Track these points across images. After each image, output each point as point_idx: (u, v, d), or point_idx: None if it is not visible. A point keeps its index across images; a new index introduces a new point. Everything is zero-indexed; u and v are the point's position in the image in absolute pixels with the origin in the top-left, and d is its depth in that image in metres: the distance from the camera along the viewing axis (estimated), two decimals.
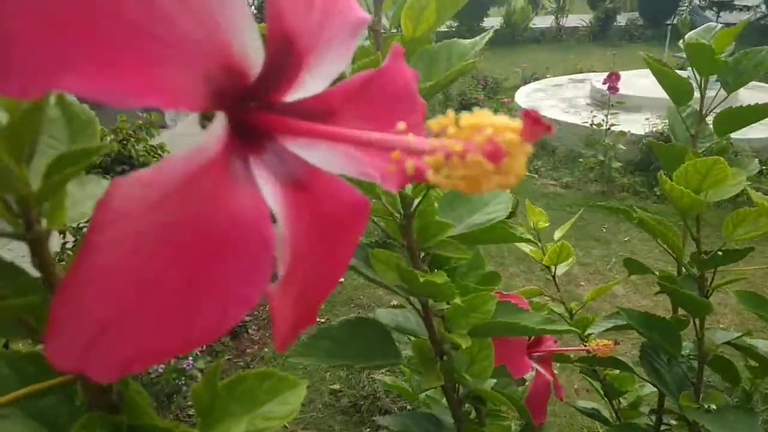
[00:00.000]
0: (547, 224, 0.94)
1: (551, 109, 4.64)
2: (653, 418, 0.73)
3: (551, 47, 8.28)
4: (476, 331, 0.48)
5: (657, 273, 0.72)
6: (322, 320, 2.26)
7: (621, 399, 0.87)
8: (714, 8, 7.84)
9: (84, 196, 0.27)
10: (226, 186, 0.16)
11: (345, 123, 0.20)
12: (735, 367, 0.66)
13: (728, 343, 0.63)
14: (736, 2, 8.09)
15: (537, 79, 6.07)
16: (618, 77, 3.69)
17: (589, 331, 0.71)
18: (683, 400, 0.59)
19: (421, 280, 0.41)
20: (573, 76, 5.95)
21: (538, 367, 0.69)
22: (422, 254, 0.50)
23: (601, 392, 0.88)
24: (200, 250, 0.17)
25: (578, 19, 8.92)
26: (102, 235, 0.16)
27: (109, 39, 0.15)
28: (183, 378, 1.86)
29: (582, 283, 2.67)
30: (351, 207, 0.20)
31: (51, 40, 0.14)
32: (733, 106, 0.64)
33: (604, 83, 3.72)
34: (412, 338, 0.54)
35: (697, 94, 0.68)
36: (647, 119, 3.84)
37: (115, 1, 0.15)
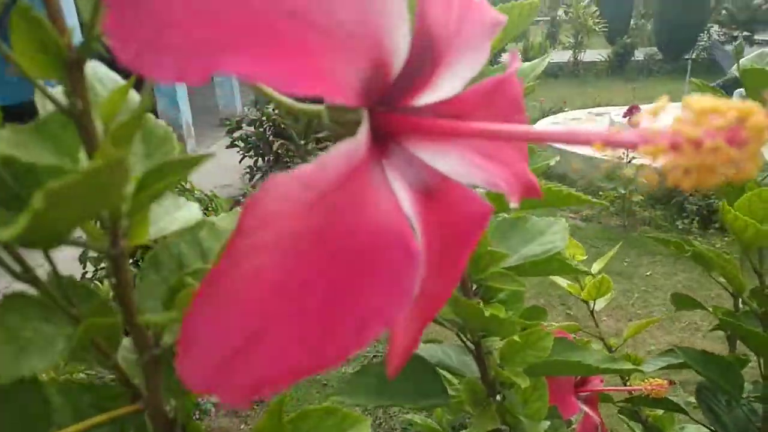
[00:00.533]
0: (584, 257, 0.92)
1: None
2: None
3: (569, 82, 8.31)
4: (533, 370, 0.45)
5: (710, 309, 0.68)
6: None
7: None
8: (734, 42, 7.83)
9: (161, 212, 0.26)
10: (372, 191, 0.15)
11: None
12: None
13: None
14: (756, 36, 8.11)
15: (555, 113, 6.08)
16: (638, 110, 3.68)
17: (643, 368, 0.67)
18: None
19: (487, 314, 0.38)
20: (591, 110, 5.95)
21: (586, 408, 0.66)
22: (474, 286, 0.48)
23: None
24: (347, 259, 0.15)
25: (596, 54, 8.97)
26: (251, 239, 0.14)
27: (269, 24, 0.14)
28: (198, 411, 1.83)
29: (604, 318, 2.61)
30: (475, 216, 0.18)
31: (208, 21, 0.13)
32: None
33: (625, 116, 3.71)
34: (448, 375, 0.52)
35: None
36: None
37: None
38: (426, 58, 0.17)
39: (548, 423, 0.50)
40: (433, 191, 0.18)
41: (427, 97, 0.18)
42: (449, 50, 0.18)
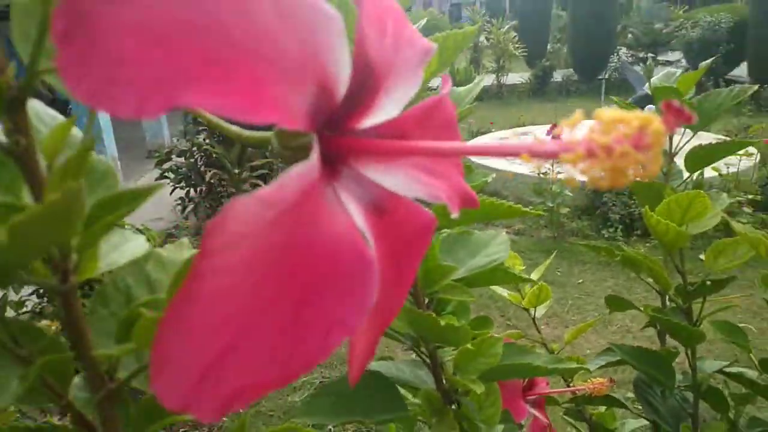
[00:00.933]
0: (523, 267, 0.95)
1: (499, 161, 4.80)
2: None
3: (494, 104, 8.64)
4: (486, 376, 0.47)
5: (641, 308, 0.73)
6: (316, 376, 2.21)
7: None
8: (641, 63, 8.47)
9: (109, 246, 0.26)
10: (326, 208, 0.16)
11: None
12: (724, 396, 0.67)
13: (720, 371, 0.64)
14: (659, 57, 8.80)
15: (483, 133, 6.29)
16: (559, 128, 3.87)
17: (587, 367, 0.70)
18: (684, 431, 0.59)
19: (442, 324, 0.40)
20: (516, 130, 6.20)
21: (534, 411, 0.68)
22: (426, 300, 0.49)
23: None
24: (308, 274, 0.16)
25: (518, 77, 9.40)
26: (215, 259, 0.15)
27: (222, 58, 0.14)
28: None
29: (542, 326, 2.70)
30: (422, 227, 0.20)
31: (163, 58, 0.14)
32: (701, 144, 0.68)
33: (548, 134, 3.89)
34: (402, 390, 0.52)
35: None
36: None
37: (216, 20, 0.14)
38: (366, 84, 0.19)
39: (502, 427, 0.51)
40: (382, 206, 0.19)
41: (370, 120, 0.19)
42: (387, 76, 0.19)
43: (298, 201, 0.16)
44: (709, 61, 0.76)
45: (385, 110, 0.19)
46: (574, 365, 0.50)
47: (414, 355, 0.55)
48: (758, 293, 0.67)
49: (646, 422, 0.89)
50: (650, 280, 0.70)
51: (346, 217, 0.17)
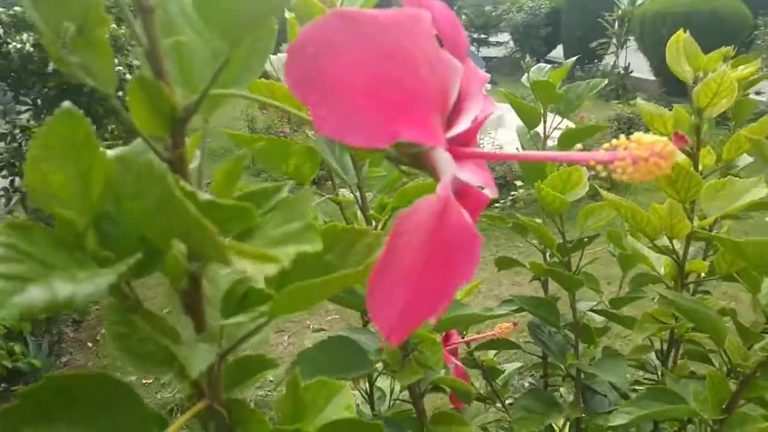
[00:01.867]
0: None
1: None
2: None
3: None
4: (439, 327, 0.57)
5: (527, 264, 0.88)
6: None
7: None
8: (475, 44, 9.19)
9: None
10: (453, 201, 0.24)
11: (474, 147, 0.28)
12: (590, 329, 0.84)
13: (591, 310, 0.81)
14: (491, 39, 9.62)
15: None
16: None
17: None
18: (569, 359, 0.75)
19: None
20: None
21: (453, 359, 0.80)
22: None
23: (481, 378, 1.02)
24: (451, 244, 0.24)
25: None
26: (400, 239, 0.22)
27: (406, 101, 0.21)
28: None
29: None
30: (481, 203, 0.28)
31: (375, 104, 0.21)
32: (569, 127, 0.84)
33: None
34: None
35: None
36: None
37: (400, 74, 0.21)
38: (456, 107, 0.26)
39: (444, 370, 0.62)
40: (463, 191, 0.28)
41: (455, 131, 0.27)
42: (466, 100, 0.27)
43: (447, 201, 0.24)
44: (573, 58, 0.92)
45: (463, 125, 0.27)
46: (499, 312, 0.62)
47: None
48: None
49: (520, 365, 1.07)
50: (535, 241, 0.86)
51: (458, 205, 0.25)
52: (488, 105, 0.30)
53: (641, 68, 7.00)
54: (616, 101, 6.15)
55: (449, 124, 0.27)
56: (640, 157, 0.23)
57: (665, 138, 0.23)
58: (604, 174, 0.24)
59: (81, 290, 0.20)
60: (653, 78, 6.98)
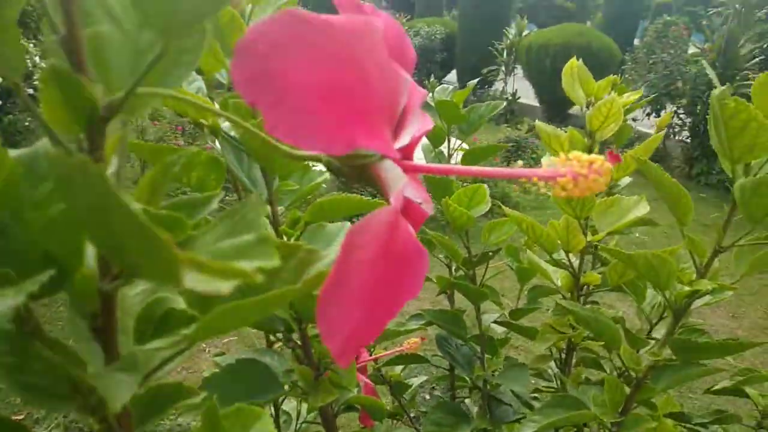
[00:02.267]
0: None
1: None
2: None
3: None
4: None
5: (434, 279, 0.90)
6: None
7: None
8: None
9: None
10: (401, 218, 0.23)
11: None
12: (494, 341, 0.87)
13: (494, 322, 0.84)
14: None
15: None
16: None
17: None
18: (476, 371, 0.77)
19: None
20: None
21: (362, 377, 0.79)
22: None
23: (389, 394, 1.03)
24: (398, 261, 0.23)
25: None
26: (354, 254, 0.21)
27: (363, 109, 0.21)
28: None
29: None
30: (420, 219, 0.28)
31: (330, 110, 0.20)
32: (472, 147, 0.87)
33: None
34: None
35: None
36: None
37: (354, 79, 0.21)
38: (401, 118, 0.26)
39: (357, 389, 0.61)
40: (404, 207, 0.27)
41: (400, 144, 0.27)
42: (408, 115, 0.27)
43: (399, 214, 0.23)
44: (474, 81, 0.96)
45: (406, 138, 0.27)
46: (408, 327, 0.62)
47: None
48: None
49: (425, 378, 1.09)
50: (441, 256, 0.88)
51: (404, 219, 0.25)
52: (426, 122, 0.30)
53: (527, 94, 7.52)
54: (505, 125, 6.55)
55: (394, 136, 0.26)
56: (580, 174, 0.24)
57: (601, 156, 0.25)
58: (544, 190, 0.25)
59: None
60: (537, 104, 7.52)
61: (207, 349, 2.38)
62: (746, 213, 0.55)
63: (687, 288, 0.51)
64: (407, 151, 0.28)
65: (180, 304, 0.29)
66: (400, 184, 0.24)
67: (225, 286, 0.15)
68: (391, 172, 0.24)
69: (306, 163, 0.68)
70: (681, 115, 5.28)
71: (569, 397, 0.58)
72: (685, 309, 0.54)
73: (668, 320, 0.58)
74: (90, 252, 0.24)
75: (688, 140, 5.31)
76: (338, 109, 0.20)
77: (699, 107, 4.96)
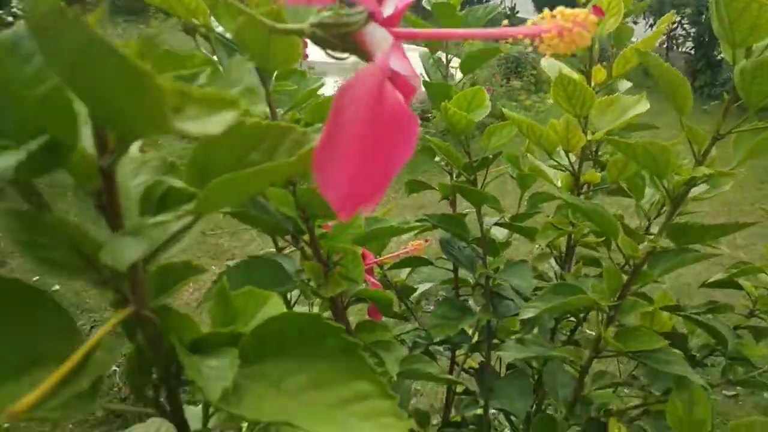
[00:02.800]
0: None
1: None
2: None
3: None
4: (358, 240, 0.57)
5: (436, 187, 0.91)
6: None
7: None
8: None
9: None
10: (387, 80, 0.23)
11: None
12: (495, 243, 0.89)
13: (495, 224, 0.86)
14: None
15: None
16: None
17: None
18: (479, 269, 0.79)
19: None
20: None
21: (370, 278, 0.82)
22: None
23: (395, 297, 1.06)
24: (386, 122, 0.23)
25: None
26: (343, 112, 0.21)
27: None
28: None
29: None
30: (409, 91, 0.28)
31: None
32: (468, 51, 0.85)
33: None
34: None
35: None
36: (336, 81, 4.30)
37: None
38: None
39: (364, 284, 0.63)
40: (390, 79, 0.27)
41: (386, 10, 0.26)
42: None
43: (384, 73, 0.23)
44: None
45: (391, 5, 0.27)
46: (415, 226, 0.64)
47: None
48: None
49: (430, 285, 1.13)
50: (443, 163, 0.88)
51: (391, 84, 0.25)
52: None
53: (526, 9, 7.24)
54: (504, 41, 6.33)
55: (379, 2, 0.26)
56: (564, 28, 0.24)
57: (585, 9, 0.24)
58: (530, 49, 0.25)
59: None
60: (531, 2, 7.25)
61: (216, 270, 2.45)
62: (746, 97, 0.54)
63: (685, 176, 0.51)
64: (391, 21, 0.28)
65: (179, 185, 0.30)
66: (385, 44, 0.24)
67: (216, 124, 0.16)
68: (376, 36, 0.24)
69: (303, 69, 0.67)
70: (685, 26, 5.07)
71: (568, 284, 0.60)
72: (683, 197, 0.55)
73: (666, 210, 0.59)
74: (87, 132, 0.25)
75: (692, 51, 5.14)
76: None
77: (704, 16, 4.76)
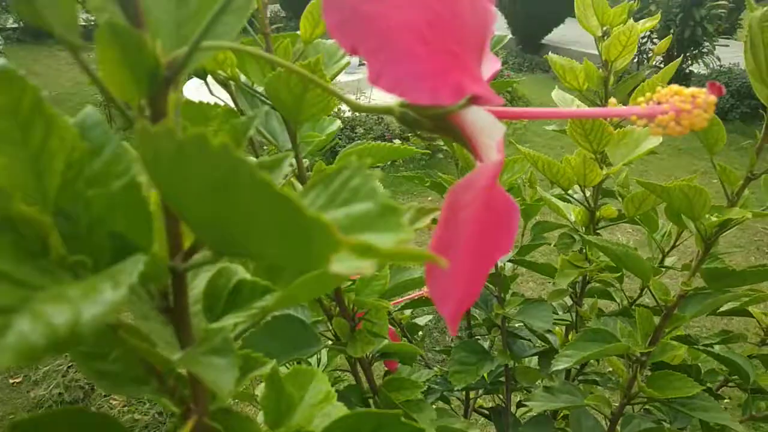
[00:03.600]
0: None
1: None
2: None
3: None
4: (384, 294, 0.55)
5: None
6: None
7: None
8: None
9: None
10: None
11: None
12: (506, 278, 0.88)
13: (510, 260, 0.84)
14: None
15: None
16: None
17: None
18: (496, 309, 0.77)
19: None
20: None
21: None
22: None
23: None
24: (492, 219, 0.21)
25: None
26: (456, 217, 0.20)
27: (461, 53, 0.19)
28: None
29: None
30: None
31: (431, 56, 0.18)
32: None
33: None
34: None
35: None
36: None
37: (448, 22, 0.18)
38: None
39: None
40: None
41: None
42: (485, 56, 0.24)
43: (498, 169, 0.21)
44: None
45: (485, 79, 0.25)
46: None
47: None
48: None
49: (430, 317, 1.10)
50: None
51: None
52: (494, 61, 0.28)
53: (500, 27, 7.37)
54: None
55: None
56: (683, 110, 0.22)
57: (704, 89, 0.23)
58: (641, 128, 0.23)
59: (86, 314, 0.14)
60: (510, 35, 7.38)
61: None
62: None
63: (720, 218, 0.51)
64: (487, 98, 0.26)
65: (243, 274, 0.27)
66: (497, 133, 0.22)
67: (367, 265, 0.14)
68: (480, 120, 0.22)
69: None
70: (655, 39, 5.20)
71: (600, 330, 0.58)
72: (716, 238, 0.54)
73: (699, 250, 0.58)
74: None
75: (662, 65, 5.28)
76: (441, 51, 0.18)
77: (672, 30, 4.90)
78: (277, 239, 0.14)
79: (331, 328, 0.57)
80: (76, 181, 0.20)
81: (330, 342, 0.54)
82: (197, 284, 0.27)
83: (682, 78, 5.12)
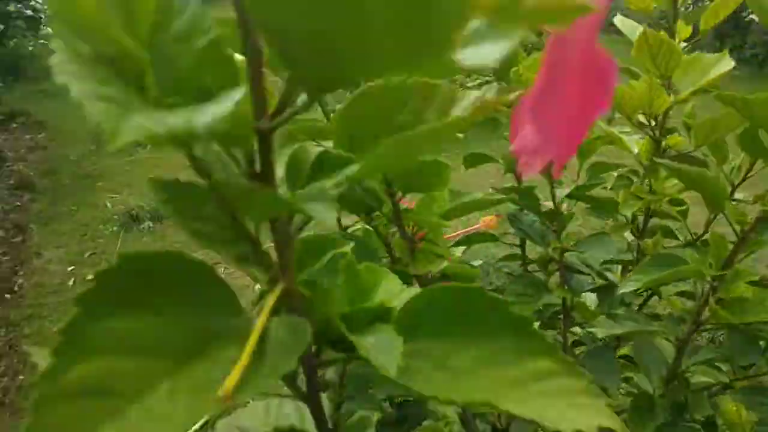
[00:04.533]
0: None
1: None
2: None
3: None
4: (446, 215, 0.55)
5: (500, 159, 0.88)
6: None
7: None
8: None
9: None
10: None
11: None
12: (563, 215, 0.86)
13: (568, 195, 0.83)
14: None
15: None
16: None
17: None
18: (553, 243, 0.76)
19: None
20: None
21: None
22: None
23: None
24: (590, 70, 0.21)
25: None
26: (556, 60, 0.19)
27: None
28: None
29: None
30: None
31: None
32: None
33: None
34: None
35: None
36: None
37: None
38: None
39: None
40: None
41: None
42: None
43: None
44: None
45: None
46: (502, 197, 0.61)
47: None
48: None
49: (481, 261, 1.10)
50: (506, 133, 0.85)
51: None
52: None
53: None
54: None
55: None
56: None
57: None
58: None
59: (197, 120, 0.15)
60: None
61: None
62: None
63: None
64: None
65: (332, 150, 0.27)
66: None
67: (495, 51, 0.13)
68: None
69: None
70: None
71: (669, 255, 0.57)
72: None
73: None
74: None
75: None
76: None
77: None
78: (394, 27, 0.13)
79: (389, 253, 0.57)
80: (166, 28, 0.20)
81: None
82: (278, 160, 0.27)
83: (742, 27, 4.81)
